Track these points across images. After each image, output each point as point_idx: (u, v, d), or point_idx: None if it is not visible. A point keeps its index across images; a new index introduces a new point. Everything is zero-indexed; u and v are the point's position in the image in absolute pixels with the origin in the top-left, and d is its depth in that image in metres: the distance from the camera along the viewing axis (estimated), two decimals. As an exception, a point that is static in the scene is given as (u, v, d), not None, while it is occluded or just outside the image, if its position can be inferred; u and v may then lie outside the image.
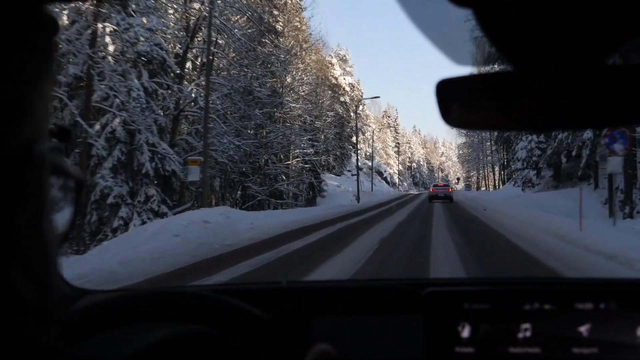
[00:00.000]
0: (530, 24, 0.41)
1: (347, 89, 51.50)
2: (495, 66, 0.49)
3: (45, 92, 0.31)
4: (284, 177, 28.38)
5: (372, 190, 46.41)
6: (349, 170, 58.24)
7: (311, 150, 32.54)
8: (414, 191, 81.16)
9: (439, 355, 0.78)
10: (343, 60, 59.72)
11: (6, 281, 0.28)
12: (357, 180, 31.94)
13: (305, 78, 30.57)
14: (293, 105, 27.67)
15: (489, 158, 60.47)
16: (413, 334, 0.84)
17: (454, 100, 0.46)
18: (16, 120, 0.29)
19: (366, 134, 66.45)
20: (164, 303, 0.76)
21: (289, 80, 27.74)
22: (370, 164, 64.58)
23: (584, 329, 0.76)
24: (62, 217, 0.41)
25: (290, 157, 30.01)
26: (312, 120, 35.54)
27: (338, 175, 50.53)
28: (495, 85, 0.45)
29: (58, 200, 0.41)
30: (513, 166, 26.75)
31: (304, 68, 30.74)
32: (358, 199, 31.06)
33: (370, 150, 66.72)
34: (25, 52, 0.30)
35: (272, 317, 0.82)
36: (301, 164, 32.46)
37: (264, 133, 25.01)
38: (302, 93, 30.62)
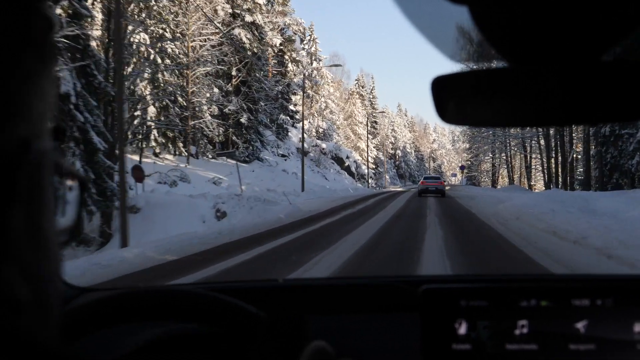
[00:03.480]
0: (526, 20, 0.41)
1: (260, 1, 28.27)
2: (493, 63, 0.48)
3: (44, 90, 0.31)
4: None
5: (302, 190, 23.37)
6: (283, 155, 35.21)
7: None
8: (397, 187, 57.38)
9: (436, 352, 0.79)
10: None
11: (0, 280, 0.27)
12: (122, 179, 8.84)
13: None
14: None
15: (514, 131, 37.02)
16: (410, 332, 0.86)
17: (449, 97, 0.46)
18: (10, 118, 0.28)
19: (320, 101, 43.53)
20: (160, 301, 0.76)
21: None
22: (324, 145, 41.54)
23: (580, 326, 0.77)
24: (65, 218, 0.41)
25: None
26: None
27: (246, 163, 27.51)
28: (492, 81, 0.45)
29: (60, 201, 0.41)
30: None
31: None
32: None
33: (325, 125, 43.79)
34: (19, 49, 0.29)
35: (268, 315, 0.81)
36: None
37: None
38: None
